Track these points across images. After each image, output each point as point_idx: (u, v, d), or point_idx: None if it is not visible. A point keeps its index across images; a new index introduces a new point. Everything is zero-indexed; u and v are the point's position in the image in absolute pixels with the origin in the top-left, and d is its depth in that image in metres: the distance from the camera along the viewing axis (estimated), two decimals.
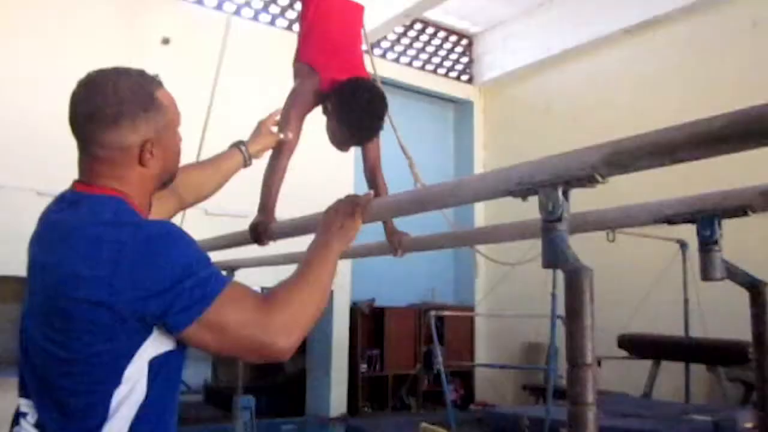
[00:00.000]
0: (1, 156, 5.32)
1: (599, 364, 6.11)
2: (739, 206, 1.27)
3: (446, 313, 6.68)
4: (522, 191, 1.08)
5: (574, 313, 0.93)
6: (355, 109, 2.00)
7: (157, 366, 1.14)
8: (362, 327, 7.35)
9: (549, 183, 1.02)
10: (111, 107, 1.20)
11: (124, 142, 1.21)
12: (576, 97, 7.34)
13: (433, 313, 5.48)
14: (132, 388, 1.12)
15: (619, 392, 5.81)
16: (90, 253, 1.11)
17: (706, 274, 1.34)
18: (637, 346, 5.53)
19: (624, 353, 5.61)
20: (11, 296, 6.69)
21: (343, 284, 7.21)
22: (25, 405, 1.18)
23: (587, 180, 0.97)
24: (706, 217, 1.31)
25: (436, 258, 8.00)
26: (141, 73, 1.27)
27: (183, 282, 1.09)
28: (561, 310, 5.51)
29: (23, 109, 5.36)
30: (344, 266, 7.09)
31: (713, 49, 6.03)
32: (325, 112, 2.10)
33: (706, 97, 5.73)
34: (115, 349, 1.10)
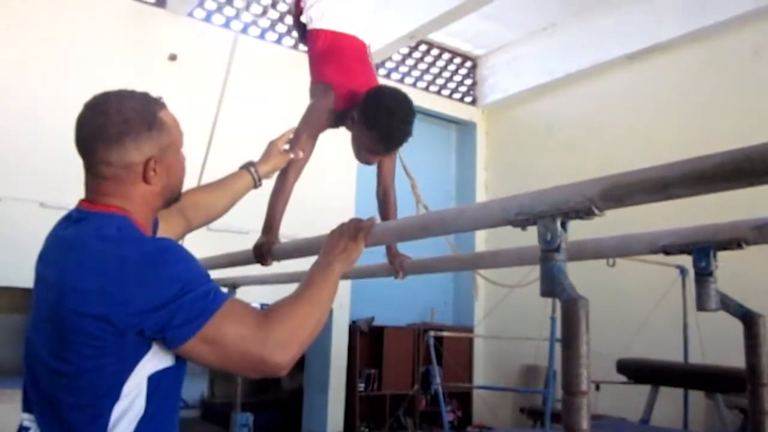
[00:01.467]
0: (3, 168, 5.35)
1: (597, 388, 6.08)
2: (733, 239, 1.30)
3: (445, 333, 6.67)
4: (521, 221, 1.11)
5: (569, 342, 0.96)
6: (383, 113, 1.99)
7: (156, 381, 1.17)
8: (361, 345, 7.34)
9: (548, 214, 1.05)
10: (115, 126, 1.24)
11: (128, 160, 1.26)
12: (578, 121, 7.40)
13: (432, 333, 5.48)
14: (131, 403, 1.15)
15: (617, 417, 5.79)
16: (92, 268, 1.14)
17: (701, 305, 1.37)
18: (635, 371, 5.51)
19: (623, 378, 5.60)
20: (13, 307, 6.70)
21: (343, 302, 7.21)
22: (27, 419, 1.21)
23: (585, 212, 1.00)
24: (701, 249, 1.34)
25: (436, 278, 8.01)
26: (145, 95, 1.32)
27: (183, 297, 1.12)
28: (560, 333, 5.48)
29: (27, 122, 5.40)
30: (344, 285, 7.10)
31: (715, 76, 6.09)
32: (350, 125, 2.10)
33: (707, 123, 5.79)
34: (115, 363, 1.13)
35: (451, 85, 8.59)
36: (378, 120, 1.99)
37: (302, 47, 7.15)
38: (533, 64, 7.80)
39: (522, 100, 8.27)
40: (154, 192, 1.32)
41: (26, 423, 1.20)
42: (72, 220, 1.27)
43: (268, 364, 1.16)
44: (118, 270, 1.13)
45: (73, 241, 1.21)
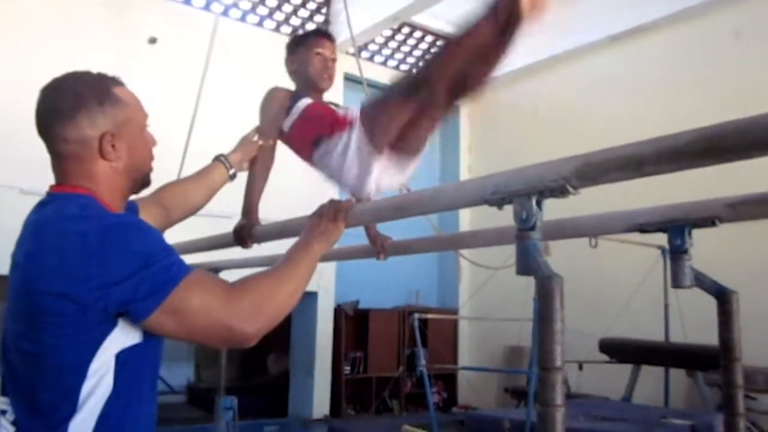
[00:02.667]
0: None
1: (580, 367, 6.16)
2: (708, 217, 1.32)
3: (430, 316, 6.70)
4: (497, 200, 1.11)
5: (545, 319, 0.96)
6: (296, 37, 2.17)
7: (123, 359, 1.16)
8: (346, 329, 7.37)
9: (523, 193, 1.05)
10: (67, 101, 1.26)
11: (83, 134, 1.26)
12: (562, 103, 7.41)
13: (416, 315, 5.50)
14: (98, 382, 1.14)
15: (599, 396, 5.87)
16: (53, 246, 1.15)
17: (677, 282, 1.39)
18: (618, 350, 5.59)
19: (605, 357, 5.67)
20: None
21: (328, 286, 7.22)
22: (3, 402, 1.20)
23: (560, 191, 1.01)
24: (677, 227, 1.36)
25: (420, 261, 8.03)
26: (99, 73, 1.34)
27: (145, 270, 1.11)
28: None
29: (3, 108, 5.33)
30: (329, 268, 7.11)
31: (697, 58, 6.12)
32: (294, 79, 2.17)
33: (689, 105, 5.82)
34: (80, 341, 1.13)
35: None
36: (294, 40, 2.15)
37: (284, 30, 7.11)
38: (517, 46, 7.77)
39: (506, 82, 8.23)
40: (116, 170, 1.31)
41: (3, 406, 1.20)
42: (42, 204, 1.28)
43: (234, 332, 1.15)
44: (79, 246, 1.12)
45: (38, 223, 1.22)
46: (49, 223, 1.20)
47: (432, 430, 4.91)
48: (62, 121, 1.26)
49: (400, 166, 1.90)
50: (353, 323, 7.48)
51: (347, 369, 7.32)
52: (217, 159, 1.97)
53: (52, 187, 1.31)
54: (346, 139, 1.84)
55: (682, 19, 6.21)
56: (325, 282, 7.17)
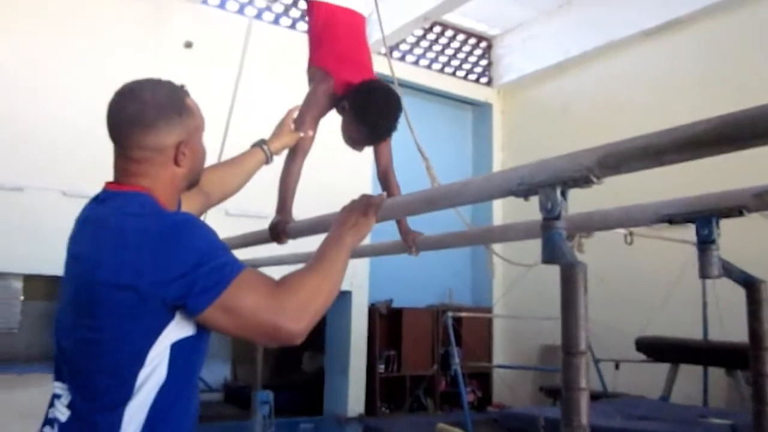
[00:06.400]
0: (26, 158, 5.47)
1: (617, 367, 6.10)
2: (735, 207, 1.32)
3: (463, 314, 6.71)
4: (523, 191, 1.14)
5: (568, 305, 0.99)
6: (372, 110, 2.08)
7: (177, 349, 1.23)
8: (380, 328, 7.41)
9: (548, 183, 1.08)
10: (150, 112, 1.32)
11: (162, 143, 1.34)
12: (594, 99, 7.35)
13: (450, 314, 5.51)
14: (153, 370, 1.21)
15: (636, 395, 5.80)
16: (116, 241, 1.22)
17: (704, 272, 1.40)
18: (655, 349, 5.52)
19: (642, 356, 5.61)
20: (39, 295, 6.85)
21: (361, 285, 7.28)
22: (59, 387, 1.27)
23: (583, 181, 1.03)
24: (704, 217, 1.37)
25: (453, 260, 8.04)
26: (171, 83, 1.40)
27: (201, 266, 1.17)
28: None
29: (46, 112, 5.51)
30: (362, 267, 7.17)
31: (731, 51, 6.01)
32: (341, 112, 2.17)
33: (724, 99, 5.70)
34: (139, 331, 1.19)
35: (466, 66, 8.56)
36: (367, 116, 2.08)
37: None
38: (548, 43, 7.75)
39: (537, 80, 8.23)
40: (181, 174, 1.39)
41: (58, 391, 1.27)
42: (99, 200, 1.35)
43: (282, 331, 1.20)
44: (141, 242, 1.19)
45: (100, 219, 1.29)
46: (110, 219, 1.27)
47: (466, 428, 4.92)
48: (143, 130, 1.32)
49: None
50: (387, 322, 7.52)
51: (381, 367, 7.37)
52: (258, 145, 2.02)
53: (109, 184, 1.37)
54: None
55: (715, 12, 6.11)
56: (359, 281, 7.23)
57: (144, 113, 1.32)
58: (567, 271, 1.00)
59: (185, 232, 1.23)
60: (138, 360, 1.20)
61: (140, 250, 1.19)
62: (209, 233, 1.27)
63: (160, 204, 1.32)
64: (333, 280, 1.34)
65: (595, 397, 5.79)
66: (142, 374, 1.20)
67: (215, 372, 8.12)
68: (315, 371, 8.07)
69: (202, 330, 1.26)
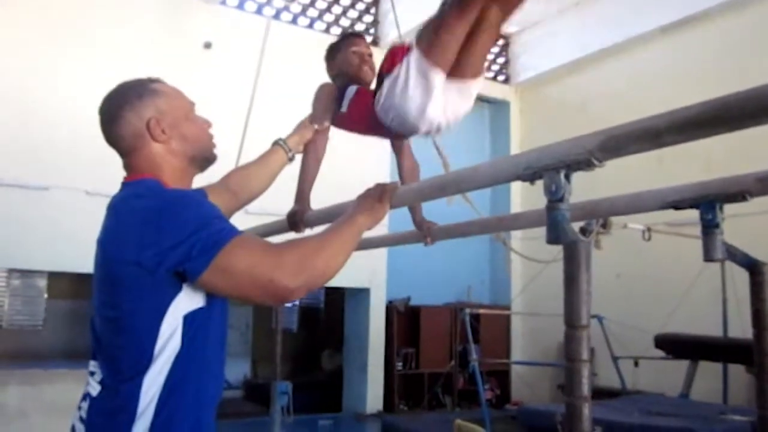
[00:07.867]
0: (49, 158, 5.60)
1: (636, 364, 6.08)
2: (738, 192, 1.35)
3: (481, 311, 6.73)
4: (529, 175, 1.18)
5: (571, 280, 1.03)
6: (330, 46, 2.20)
7: (190, 321, 1.29)
8: (398, 325, 7.46)
9: (552, 167, 1.13)
10: (114, 105, 1.45)
11: (134, 127, 1.43)
12: (612, 96, 7.32)
13: (467, 311, 5.53)
14: (167, 341, 1.28)
15: (656, 392, 5.78)
16: (124, 221, 1.32)
17: (708, 255, 1.43)
18: (674, 346, 5.50)
19: (661, 353, 5.59)
20: (63, 293, 7.00)
21: (379, 282, 7.33)
22: (93, 365, 1.36)
23: (585, 164, 1.07)
24: (708, 202, 1.40)
25: (471, 257, 8.06)
26: (135, 79, 1.51)
27: (198, 232, 1.23)
28: (597, 309, 5.50)
29: (70, 112, 5.61)
30: (380, 265, 7.22)
31: (750, 47, 5.97)
32: (338, 82, 2.24)
33: None
34: (150, 304, 1.27)
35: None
36: (329, 48, 2.22)
37: (334, 31, 7.25)
38: (566, 40, 7.74)
39: (555, 77, 8.22)
40: (173, 151, 1.45)
41: (92, 368, 1.36)
42: (118, 192, 1.46)
43: (277, 284, 1.23)
44: (143, 218, 1.28)
45: (113, 206, 1.39)
46: (120, 203, 1.38)
47: (484, 425, 4.94)
48: (114, 122, 1.43)
49: (463, 90, 1.98)
50: (405, 320, 7.57)
51: (399, 365, 7.41)
52: (276, 143, 2.09)
53: (124, 178, 1.48)
54: (405, 65, 1.87)
55: (734, 8, 6.07)
56: (377, 279, 7.28)
57: (109, 110, 1.45)
58: (570, 248, 1.04)
59: (183, 203, 1.30)
60: (152, 332, 1.27)
61: (142, 226, 1.27)
62: (207, 204, 1.36)
63: (166, 187, 1.41)
64: (336, 249, 1.37)
65: (614, 394, 5.78)
66: (158, 345, 1.27)
67: (236, 370, 8.22)
68: (334, 369, 8.14)
69: (213, 301, 1.32)
